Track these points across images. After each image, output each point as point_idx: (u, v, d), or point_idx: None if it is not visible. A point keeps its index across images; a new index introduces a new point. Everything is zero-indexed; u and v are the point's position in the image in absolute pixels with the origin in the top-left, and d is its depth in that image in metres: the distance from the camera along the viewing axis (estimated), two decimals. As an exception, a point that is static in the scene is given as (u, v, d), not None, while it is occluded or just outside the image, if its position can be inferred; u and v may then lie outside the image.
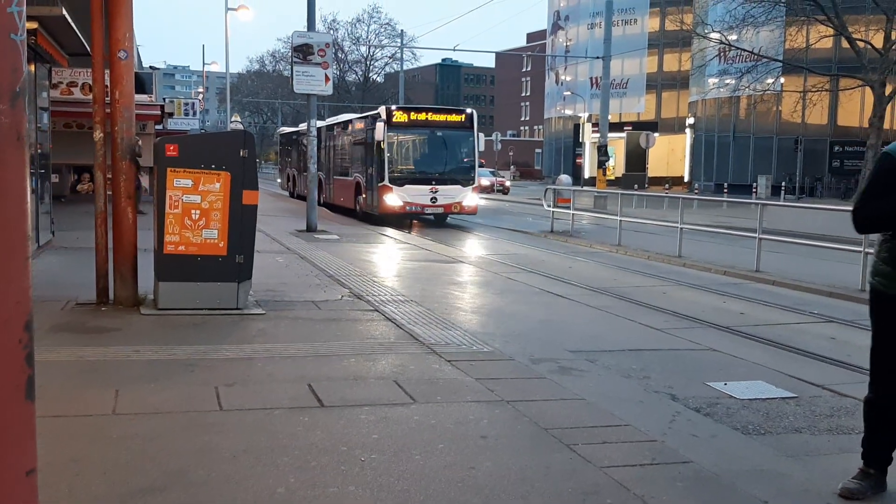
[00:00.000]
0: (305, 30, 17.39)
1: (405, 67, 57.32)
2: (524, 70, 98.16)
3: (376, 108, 22.76)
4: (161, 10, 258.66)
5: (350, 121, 24.73)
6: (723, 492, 3.81)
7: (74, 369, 5.51)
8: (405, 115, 20.76)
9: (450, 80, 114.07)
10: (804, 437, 4.65)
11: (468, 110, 21.37)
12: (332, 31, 68.41)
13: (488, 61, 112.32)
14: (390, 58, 75.17)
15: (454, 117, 21.07)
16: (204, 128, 50.67)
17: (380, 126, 19.88)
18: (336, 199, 25.17)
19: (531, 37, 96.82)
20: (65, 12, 9.69)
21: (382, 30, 75.01)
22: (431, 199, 19.98)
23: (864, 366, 6.50)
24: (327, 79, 17.02)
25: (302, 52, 16.87)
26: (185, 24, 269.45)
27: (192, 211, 7.45)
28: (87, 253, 8.30)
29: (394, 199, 19.75)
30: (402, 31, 60.03)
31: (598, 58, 35.21)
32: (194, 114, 38.89)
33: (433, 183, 20.10)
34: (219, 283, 7.57)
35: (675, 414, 4.98)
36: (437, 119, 20.97)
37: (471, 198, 20.60)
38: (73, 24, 10.29)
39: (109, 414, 4.61)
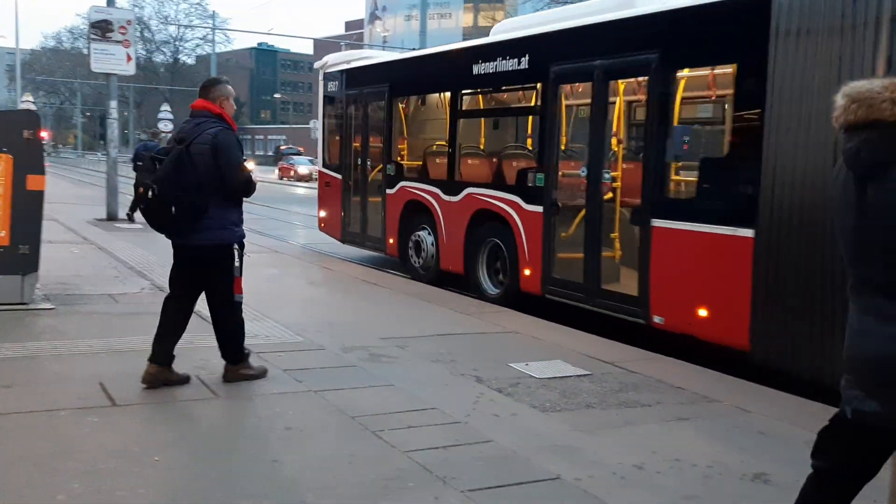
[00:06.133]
0: (105, 5, 16.24)
1: (218, 50, 55.15)
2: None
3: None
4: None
5: None
6: (520, 467, 3.97)
7: None
8: None
9: (266, 65, 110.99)
10: (596, 411, 4.94)
11: None
12: (137, 9, 64.45)
13: (306, 47, 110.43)
14: (202, 39, 72.05)
15: None
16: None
17: None
18: None
19: (350, 25, 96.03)
20: None
21: (193, 10, 71.65)
22: None
23: (651, 345, 7.01)
24: (129, 58, 15.98)
25: (100, 28, 15.74)
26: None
27: (-33, 197, 6.76)
28: None
29: None
30: (213, 12, 57.69)
31: (414, 49, 35.65)
32: (-23, 91, 35.31)
33: None
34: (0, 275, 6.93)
35: (478, 395, 5.13)
36: None
37: None
38: None
39: None
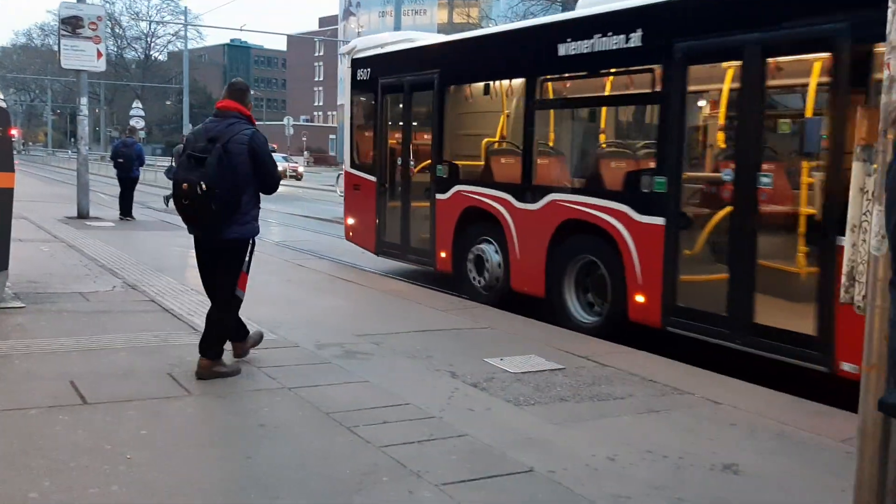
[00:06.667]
0: (75, 0, 16.03)
1: (190, 46, 54.66)
2: (317, 55, 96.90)
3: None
4: None
5: None
6: (494, 461, 4.00)
7: None
8: None
9: (239, 61, 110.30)
10: (569, 405, 4.98)
11: None
12: (107, 4, 63.71)
13: (280, 44, 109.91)
14: (173, 35, 71.42)
15: None
16: (-43, 104, 45.35)
17: None
18: None
19: (324, 21, 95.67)
20: None
21: (164, 6, 71.22)
22: None
23: (623, 339, 7.06)
24: (100, 54, 15.79)
25: (71, 24, 15.55)
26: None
27: (-67, 195, 6.65)
28: None
29: None
30: (185, 8, 57.25)
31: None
32: (-56, 88, 34.72)
33: None
34: (-33, 275, 6.84)
35: (454, 390, 5.15)
36: None
37: None
38: None
39: None
